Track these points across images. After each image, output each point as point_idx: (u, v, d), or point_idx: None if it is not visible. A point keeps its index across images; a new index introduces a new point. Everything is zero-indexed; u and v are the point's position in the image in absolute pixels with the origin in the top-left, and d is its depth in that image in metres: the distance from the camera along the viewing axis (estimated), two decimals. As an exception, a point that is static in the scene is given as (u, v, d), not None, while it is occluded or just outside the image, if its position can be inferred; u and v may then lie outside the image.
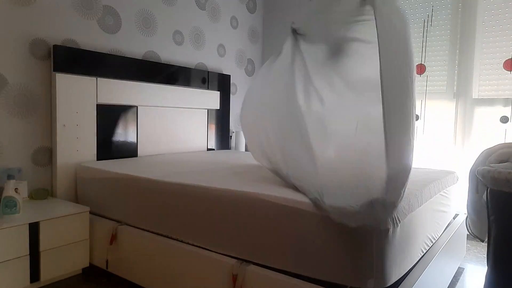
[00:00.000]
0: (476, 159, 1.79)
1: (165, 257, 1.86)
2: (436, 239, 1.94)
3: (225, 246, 1.69)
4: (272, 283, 1.50)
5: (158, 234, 1.95)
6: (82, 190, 2.42)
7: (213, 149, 3.63)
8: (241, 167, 2.45)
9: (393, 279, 1.39)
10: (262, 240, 1.57)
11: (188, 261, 1.77)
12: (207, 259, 1.70)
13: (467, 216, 2.01)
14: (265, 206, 1.56)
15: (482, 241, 1.82)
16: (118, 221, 2.14)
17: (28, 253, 1.90)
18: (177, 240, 1.87)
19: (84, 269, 2.20)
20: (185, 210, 1.83)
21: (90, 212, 2.20)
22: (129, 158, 2.77)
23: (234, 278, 1.58)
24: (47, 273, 1.99)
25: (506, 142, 2.44)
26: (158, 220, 1.94)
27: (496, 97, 2.96)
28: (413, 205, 1.58)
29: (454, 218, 2.38)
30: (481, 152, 1.78)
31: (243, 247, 1.63)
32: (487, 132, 3.03)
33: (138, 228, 2.03)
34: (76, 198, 2.47)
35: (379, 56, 1.21)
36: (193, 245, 1.80)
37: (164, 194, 1.91)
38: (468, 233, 2.02)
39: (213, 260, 1.68)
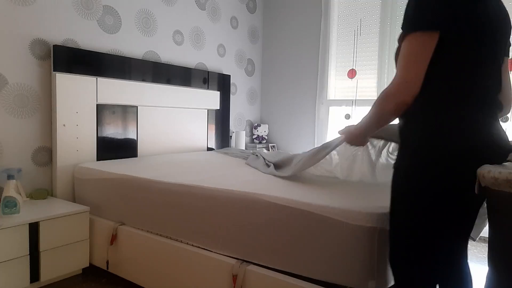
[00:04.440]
0: (476, 159, 1.79)
1: (165, 257, 1.86)
2: (436, 239, 1.94)
3: (225, 246, 1.69)
4: (272, 283, 1.50)
5: (158, 234, 1.95)
6: (79, 192, 2.40)
7: (213, 149, 3.63)
8: (240, 167, 2.45)
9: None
10: (262, 240, 1.56)
11: (188, 261, 1.77)
12: (207, 259, 1.70)
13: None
14: (265, 206, 1.56)
15: (474, 240, 1.83)
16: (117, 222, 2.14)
17: (28, 253, 1.90)
18: (177, 240, 1.87)
19: (84, 269, 2.20)
20: (185, 210, 1.83)
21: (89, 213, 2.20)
22: (129, 158, 2.77)
23: (234, 278, 1.58)
24: (47, 273, 1.99)
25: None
26: (158, 220, 1.94)
27: (496, 97, 2.95)
28: (413, 205, 1.58)
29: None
30: (481, 152, 1.78)
31: (243, 247, 1.63)
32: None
33: (138, 228, 2.03)
34: (75, 199, 2.46)
35: None
36: (193, 245, 1.80)
37: (164, 194, 1.91)
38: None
39: (213, 260, 1.68)
